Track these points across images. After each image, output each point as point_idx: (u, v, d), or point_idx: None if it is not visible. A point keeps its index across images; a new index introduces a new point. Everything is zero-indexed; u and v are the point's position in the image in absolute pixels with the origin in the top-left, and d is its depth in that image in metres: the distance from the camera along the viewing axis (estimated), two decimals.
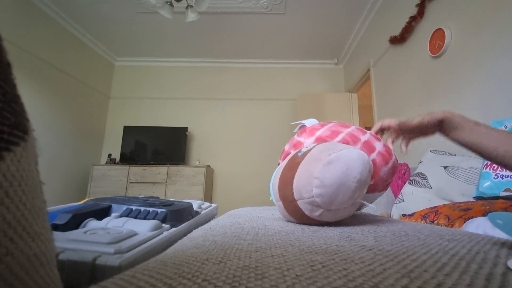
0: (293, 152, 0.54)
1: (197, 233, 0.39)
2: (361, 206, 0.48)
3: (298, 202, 0.42)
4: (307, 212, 0.42)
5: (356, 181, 0.41)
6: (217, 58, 4.26)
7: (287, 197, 0.44)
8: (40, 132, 2.97)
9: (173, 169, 3.51)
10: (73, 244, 0.35)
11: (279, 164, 0.60)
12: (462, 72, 1.65)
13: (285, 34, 3.60)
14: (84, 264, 0.32)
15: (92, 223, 0.48)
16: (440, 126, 0.55)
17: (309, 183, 0.40)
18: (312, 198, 0.40)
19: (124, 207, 0.56)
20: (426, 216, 0.86)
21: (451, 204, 0.89)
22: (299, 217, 0.45)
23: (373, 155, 0.54)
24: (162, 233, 0.47)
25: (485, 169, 1.01)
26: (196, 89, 4.26)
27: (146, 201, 0.61)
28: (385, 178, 0.56)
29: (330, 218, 0.42)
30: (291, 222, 0.50)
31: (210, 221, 0.59)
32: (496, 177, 0.96)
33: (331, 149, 0.43)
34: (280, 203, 0.48)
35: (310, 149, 0.46)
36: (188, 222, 0.61)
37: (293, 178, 0.43)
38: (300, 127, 0.65)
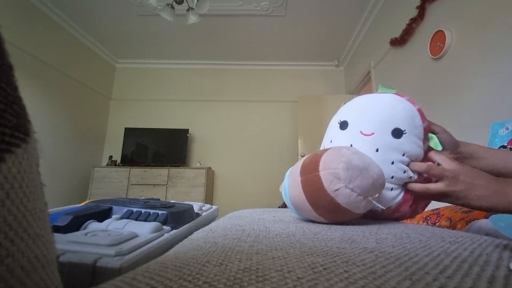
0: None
1: (197, 235, 0.39)
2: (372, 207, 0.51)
3: (321, 173, 0.45)
4: (326, 184, 0.44)
5: (374, 177, 0.45)
6: (218, 60, 4.27)
7: (311, 170, 0.47)
8: (41, 133, 2.98)
9: (174, 171, 3.52)
10: (74, 246, 0.35)
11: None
12: (463, 74, 1.65)
13: (285, 36, 3.61)
14: (85, 266, 0.32)
15: (93, 225, 0.48)
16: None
17: (338, 158, 0.45)
18: (337, 170, 0.44)
19: (125, 209, 0.56)
20: (428, 218, 0.86)
21: (453, 206, 0.89)
22: (315, 192, 0.46)
23: None
24: (163, 235, 0.47)
25: None
26: (197, 91, 4.27)
27: (147, 203, 0.61)
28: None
29: (343, 202, 0.43)
30: (298, 199, 0.49)
31: (211, 223, 0.58)
32: None
33: (359, 152, 0.48)
34: (299, 178, 0.49)
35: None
36: (189, 224, 0.61)
37: (323, 154, 0.48)
38: None
